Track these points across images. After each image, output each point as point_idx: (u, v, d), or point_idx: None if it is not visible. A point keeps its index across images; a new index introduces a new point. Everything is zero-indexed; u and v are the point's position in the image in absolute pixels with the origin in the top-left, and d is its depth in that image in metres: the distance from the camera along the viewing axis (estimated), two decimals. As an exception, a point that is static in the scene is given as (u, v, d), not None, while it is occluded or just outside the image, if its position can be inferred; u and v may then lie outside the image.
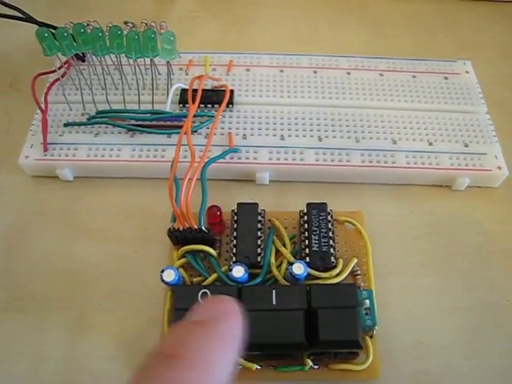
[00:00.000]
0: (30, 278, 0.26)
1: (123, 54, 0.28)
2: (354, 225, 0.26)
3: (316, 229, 0.25)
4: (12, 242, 0.27)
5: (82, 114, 0.30)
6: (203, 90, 0.29)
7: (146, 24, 0.29)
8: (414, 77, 0.31)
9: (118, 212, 0.28)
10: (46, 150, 0.28)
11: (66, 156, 0.28)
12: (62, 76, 0.30)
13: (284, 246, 0.25)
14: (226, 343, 0.15)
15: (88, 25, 0.28)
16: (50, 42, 0.27)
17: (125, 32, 0.28)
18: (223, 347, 0.15)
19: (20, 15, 0.30)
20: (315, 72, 0.31)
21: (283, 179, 0.28)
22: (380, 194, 0.28)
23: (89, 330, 0.24)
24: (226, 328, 0.16)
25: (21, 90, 0.33)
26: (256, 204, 0.25)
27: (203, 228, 0.24)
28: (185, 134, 0.25)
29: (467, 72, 0.32)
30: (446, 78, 0.31)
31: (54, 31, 0.28)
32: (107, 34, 0.27)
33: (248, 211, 0.25)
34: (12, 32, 0.35)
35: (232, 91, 0.30)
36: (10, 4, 0.30)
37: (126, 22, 0.36)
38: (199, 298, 0.22)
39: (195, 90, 0.28)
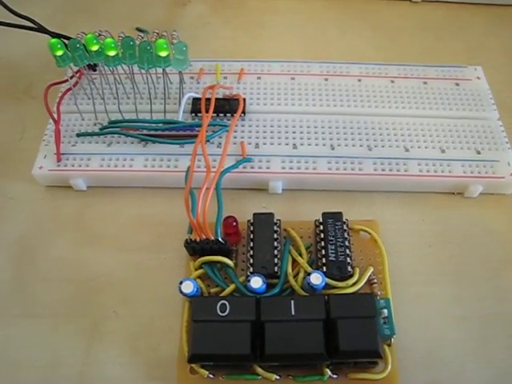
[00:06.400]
0: (44, 285, 0.26)
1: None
2: (369, 233, 0.26)
3: (332, 238, 0.25)
4: (26, 250, 0.27)
5: (95, 124, 0.30)
6: (215, 99, 0.29)
7: (158, 34, 0.29)
8: (425, 83, 0.31)
9: (131, 220, 0.28)
10: (59, 160, 0.28)
11: (80, 166, 0.28)
12: (74, 85, 0.31)
13: (300, 255, 0.25)
14: None
15: (100, 35, 0.28)
16: (62, 54, 0.27)
17: (137, 42, 0.28)
18: None
19: (33, 25, 0.30)
20: (326, 79, 0.31)
21: (296, 188, 0.28)
22: (393, 201, 0.28)
23: (103, 337, 0.25)
24: None
25: (34, 96, 0.34)
26: (272, 214, 0.25)
27: (220, 239, 0.24)
28: (200, 144, 0.26)
29: (478, 78, 0.32)
30: (457, 84, 0.31)
31: (66, 41, 0.28)
32: (119, 44, 0.28)
33: (264, 221, 0.25)
34: (25, 40, 0.35)
35: (244, 100, 0.30)
36: (22, 15, 0.30)
37: (137, 29, 0.36)
38: (217, 309, 0.22)
39: (208, 100, 0.28)
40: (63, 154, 0.29)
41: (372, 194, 0.29)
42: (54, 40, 0.27)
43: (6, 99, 0.34)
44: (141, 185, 0.29)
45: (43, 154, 0.29)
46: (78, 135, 0.29)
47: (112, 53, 0.27)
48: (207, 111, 0.28)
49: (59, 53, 0.27)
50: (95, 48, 0.27)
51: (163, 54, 0.27)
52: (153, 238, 0.27)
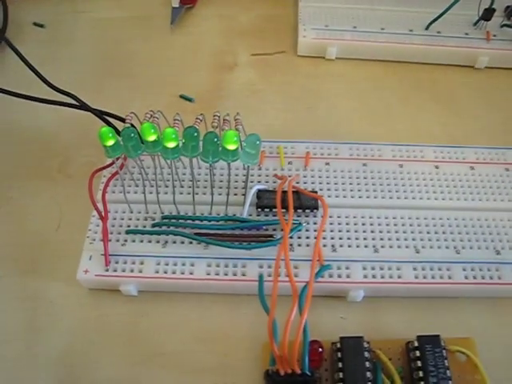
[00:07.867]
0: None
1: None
2: (466, 355, 0.23)
3: (433, 369, 0.22)
4: (71, 368, 0.24)
5: (146, 218, 0.26)
6: (283, 192, 0.25)
7: (219, 117, 0.25)
8: (507, 170, 0.29)
9: (191, 333, 0.25)
10: (107, 264, 0.25)
11: (131, 271, 0.25)
12: (120, 168, 0.27)
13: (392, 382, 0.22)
14: None
15: (152, 116, 0.25)
16: (114, 144, 0.24)
17: (197, 126, 0.24)
18: None
19: (75, 103, 0.27)
20: (401, 166, 0.28)
21: (378, 296, 0.25)
22: (485, 309, 0.25)
23: None
24: None
25: (71, 175, 0.30)
26: (361, 338, 0.22)
27: (307, 372, 0.21)
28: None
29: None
30: (540, 170, 0.29)
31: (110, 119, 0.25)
32: (177, 129, 0.24)
33: (353, 347, 0.22)
34: (57, 110, 0.29)
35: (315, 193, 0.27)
36: (63, 90, 0.27)
37: (182, 96, 0.33)
38: None
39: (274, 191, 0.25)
40: (111, 254, 0.25)
41: (462, 300, 0.25)
42: (105, 129, 0.24)
43: (39, 179, 0.30)
44: (202, 291, 0.25)
45: (88, 254, 0.25)
46: (128, 232, 0.26)
47: (172, 144, 0.24)
48: (282, 210, 0.24)
49: (110, 143, 0.24)
50: (152, 138, 0.24)
51: (232, 147, 0.24)
52: (218, 356, 0.24)
